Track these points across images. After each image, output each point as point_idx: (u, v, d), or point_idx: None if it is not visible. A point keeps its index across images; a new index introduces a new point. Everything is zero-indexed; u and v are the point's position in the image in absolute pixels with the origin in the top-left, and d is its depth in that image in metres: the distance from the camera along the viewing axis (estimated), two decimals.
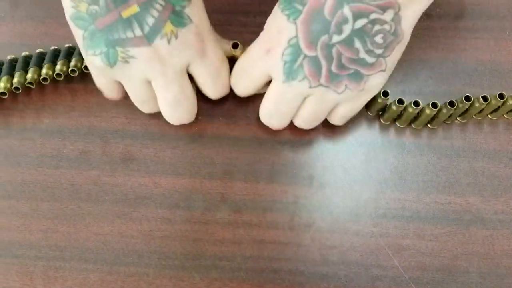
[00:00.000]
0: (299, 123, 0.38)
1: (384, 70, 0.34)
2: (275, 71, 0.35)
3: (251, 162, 0.40)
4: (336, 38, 0.32)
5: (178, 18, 0.33)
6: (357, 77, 0.34)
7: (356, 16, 0.32)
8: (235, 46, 0.39)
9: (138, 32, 0.32)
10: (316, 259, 0.38)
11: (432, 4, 0.42)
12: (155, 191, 0.39)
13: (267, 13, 0.43)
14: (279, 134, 0.41)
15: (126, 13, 0.32)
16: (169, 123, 0.39)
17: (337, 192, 0.39)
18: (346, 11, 0.32)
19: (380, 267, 0.38)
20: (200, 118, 0.41)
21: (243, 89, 0.38)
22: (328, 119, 0.39)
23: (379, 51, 0.33)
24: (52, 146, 0.41)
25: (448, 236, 0.38)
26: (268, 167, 0.40)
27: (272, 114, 0.37)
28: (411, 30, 0.34)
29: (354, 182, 0.39)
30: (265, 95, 0.37)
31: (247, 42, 0.42)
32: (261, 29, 0.42)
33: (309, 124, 0.38)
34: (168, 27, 0.33)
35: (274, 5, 0.43)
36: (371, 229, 0.38)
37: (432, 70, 0.41)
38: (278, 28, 0.34)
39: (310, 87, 0.34)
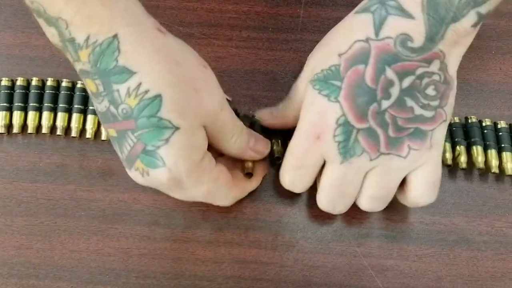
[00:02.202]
0: (366, 203, 0.35)
1: (445, 120, 0.33)
2: (330, 155, 0.33)
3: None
4: (385, 104, 0.31)
5: (149, 159, 0.30)
6: (420, 134, 0.32)
7: (402, 76, 0.31)
8: (248, 174, 0.38)
9: (118, 153, 0.32)
10: (299, 280, 0.38)
11: None
12: (134, 207, 0.39)
13: (254, 27, 0.43)
14: None
15: (110, 132, 0.32)
16: None
17: (321, 211, 0.39)
18: (390, 74, 0.31)
19: None
20: None
21: (303, 185, 0.36)
22: (413, 196, 0.34)
23: (435, 103, 0.32)
24: (28, 159, 0.40)
25: (432, 257, 0.38)
26: None
27: (335, 200, 0.35)
28: (456, 73, 0.33)
29: None
30: (321, 183, 0.34)
31: (232, 56, 0.43)
32: (247, 43, 0.43)
33: (378, 202, 0.35)
34: (139, 164, 0.31)
35: (261, 20, 0.44)
36: (354, 249, 0.39)
37: None
38: (321, 112, 0.33)
39: (371, 159, 0.32)
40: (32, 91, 0.41)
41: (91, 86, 0.30)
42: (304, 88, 0.35)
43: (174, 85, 0.30)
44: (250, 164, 0.38)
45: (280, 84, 0.42)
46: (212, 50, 0.43)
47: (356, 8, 0.34)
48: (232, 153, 0.36)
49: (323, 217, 0.39)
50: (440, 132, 0.33)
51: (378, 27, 0.31)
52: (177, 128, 0.30)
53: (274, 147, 0.39)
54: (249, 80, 0.42)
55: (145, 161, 0.30)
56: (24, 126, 0.41)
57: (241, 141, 0.35)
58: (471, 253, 0.39)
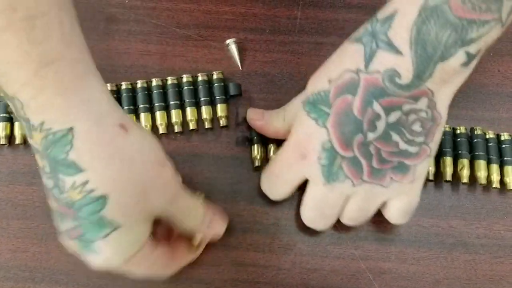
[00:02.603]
0: (346, 221, 0.36)
1: (429, 155, 0.33)
2: (313, 176, 0.34)
3: (231, 182, 0.40)
4: (371, 136, 0.32)
5: (84, 244, 0.30)
6: (403, 168, 0.33)
7: (388, 110, 0.31)
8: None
9: (56, 223, 0.31)
10: (296, 283, 0.38)
11: None
12: None
13: (251, 29, 0.43)
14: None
15: (51, 203, 0.30)
16: None
17: None
18: (377, 107, 0.31)
19: None
20: (179, 135, 0.41)
21: (278, 194, 0.38)
22: (387, 217, 0.36)
23: (420, 139, 0.32)
24: (24, 162, 0.40)
25: (430, 260, 0.38)
26: (249, 187, 0.40)
27: (316, 219, 0.36)
28: (447, 109, 0.34)
29: None
30: (304, 200, 0.36)
31: (229, 58, 0.43)
32: (244, 45, 0.43)
33: (357, 221, 0.36)
34: (74, 245, 0.30)
35: (258, 22, 0.44)
36: (352, 252, 0.39)
37: None
38: (308, 133, 0.34)
39: (354, 185, 0.33)
40: None
41: (39, 162, 0.29)
42: (298, 105, 0.36)
43: (121, 188, 0.29)
44: (200, 237, 0.37)
45: (277, 86, 0.42)
46: (209, 52, 0.43)
47: (351, 36, 0.34)
48: (186, 233, 0.35)
49: None
50: (423, 166, 0.34)
51: (368, 60, 0.32)
52: (117, 227, 0.29)
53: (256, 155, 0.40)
54: (246, 82, 0.42)
55: (80, 245, 0.30)
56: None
57: (195, 223, 0.35)
58: (469, 256, 0.39)
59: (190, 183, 0.40)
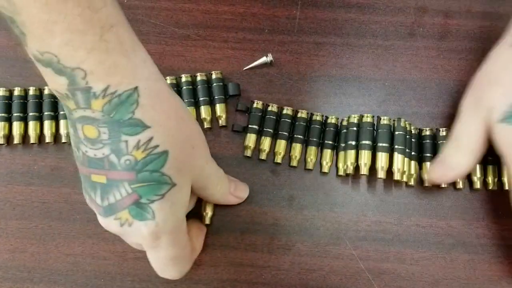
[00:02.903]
0: None
1: None
2: None
3: None
4: None
5: (139, 211, 0.30)
6: None
7: None
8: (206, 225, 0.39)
9: (98, 200, 0.31)
10: (295, 283, 0.38)
11: (416, 23, 0.43)
12: None
13: (250, 29, 0.43)
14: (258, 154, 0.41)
15: (94, 178, 0.30)
16: None
17: (317, 214, 0.39)
18: None
19: None
20: None
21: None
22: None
23: None
24: (23, 162, 0.40)
25: (429, 260, 0.38)
26: (248, 187, 0.40)
27: None
28: None
29: (334, 204, 0.40)
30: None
31: (228, 58, 0.43)
32: (243, 44, 0.43)
33: None
34: (124, 214, 0.30)
35: (257, 22, 0.44)
36: (351, 252, 0.39)
37: (415, 91, 0.42)
38: None
39: None
40: (31, 100, 0.41)
41: (90, 132, 0.29)
42: (477, 128, 0.35)
43: (180, 143, 0.31)
44: (210, 214, 0.39)
45: (277, 86, 0.42)
46: (208, 52, 0.43)
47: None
48: (215, 200, 0.37)
49: (319, 219, 0.39)
50: None
51: None
52: (173, 185, 0.30)
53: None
54: (245, 82, 0.42)
55: (133, 212, 0.30)
56: (24, 137, 0.41)
57: (224, 188, 0.37)
58: (468, 256, 0.39)
59: None
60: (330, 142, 0.40)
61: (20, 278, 0.38)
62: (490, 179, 0.39)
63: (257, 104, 0.41)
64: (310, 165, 0.40)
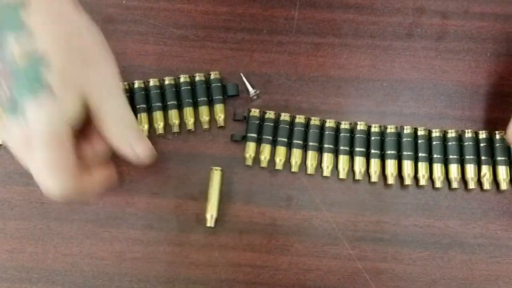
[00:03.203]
0: None
1: None
2: None
3: (228, 182, 0.40)
4: None
5: (11, 105, 0.30)
6: None
7: None
8: None
9: None
10: (293, 283, 0.38)
11: (414, 24, 0.43)
12: (128, 210, 0.39)
13: (248, 29, 0.44)
14: (257, 154, 0.41)
15: None
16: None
17: (315, 214, 0.40)
18: None
19: None
20: (175, 135, 0.41)
21: None
22: None
23: None
24: None
25: (427, 260, 0.39)
26: (246, 187, 0.40)
27: None
28: None
29: (332, 204, 0.40)
30: None
31: (227, 58, 0.43)
32: (242, 45, 0.43)
33: None
34: None
35: (255, 23, 0.44)
36: (349, 252, 0.39)
37: (413, 91, 0.42)
38: None
39: None
40: None
41: None
42: None
43: (64, 52, 0.31)
44: (214, 216, 0.39)
45: (275, 86, 0.42)
46: (206, 53, 0.43)
47: None
48: (110, 140, 0.34)
49: (317, 219, 0.40)
50: None
51: None
52: (51, 93, 0.30)
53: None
54: (244, 83, 0.42)
55: (6, 107, 0.30)
56: None
57: (123, 127, 0.34)
58: (465, 256, 0.39)
59: (187, 182, 0.40)
60: (331, 146, 0.41)
61: (18, 278, 0.38)
62: (484, 179, 0.40)
63: (254, 112, 0.41)
64: (311, 170, 0.40)
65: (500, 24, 0.44)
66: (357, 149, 0.40)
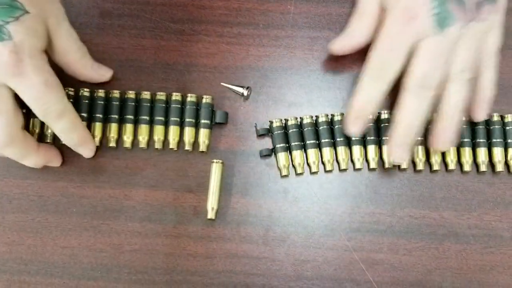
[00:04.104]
0: (457, 67, 0.37)
1: None
2: (426, 29, 0.36)
3: (225, 175, 0.41)
4: None
5: None
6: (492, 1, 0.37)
7: None
8: None
9: None
10: (289, 274, 0.39)
11: None
12: (126, 203, 0.40)
13: (244, 24, 0.44)
14: (254, 146, 0.41)
15: None
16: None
17: (312, 206, 0.40)
18: None
19: (353, 281, 0.39)
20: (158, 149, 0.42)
21: (393, 69, 0.37)
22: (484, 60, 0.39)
23: None
24: None
25: (422, 250, 0.39)
26: (243, 180, 0.41)
27: (430, 72, 0.36)
28: None
29: (328, 196, 0.40)
30: (416, 61, 0.36)
31: (223, 52, 0.43)
32: (238, 39, 0.44)
33: (469, 66, 0.37)
34: None
35: (251, 17, 0.44)
36: (345, 243, 0.40)
37: None
38: None
39: (462, 27, 0.36)
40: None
41: None
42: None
43: None
44: (215, 208, 0.39)
45: (271, 80, 0.43)
46: (202, 47, 0.44)
47: None
48: (75, 67, 0.40)
49: (314, 211, 0.40)
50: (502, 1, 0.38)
51: None
52: (27, 12, 0.35)
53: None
54: (240, 77, 0.43)
55: None
56: None
57: (86, 59, 0.40)
58: (460, 246, 0.40)
59: (185, 176, 0.41)
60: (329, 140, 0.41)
61: (17, 271, 0.39)
62: (433, 160, 0.40)
63: (277, 123, 0.41)
64: (315, 168, 0.41)
65: None
66: (354, 138, 0.40)
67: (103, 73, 0.41)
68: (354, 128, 0.39)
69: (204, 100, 0.41)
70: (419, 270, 0.39)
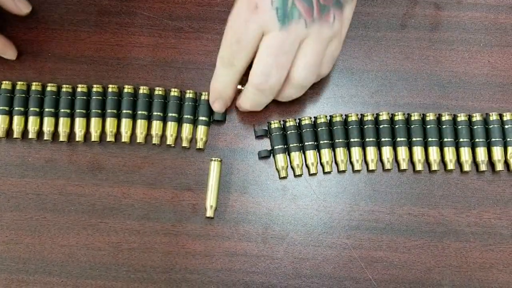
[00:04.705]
0: (300, 72, 0.37)
1: (353, 0, 0.38)
2: (269, 22, 0.35)
3: (224, 173, 0.41)
4: None
5: None
6: (339, 4, 0.37)
7: None
8: None
9: None
10: (289, 272, 0.39)
11: (407, 15, 0.44)
12: (124, 201, 0.40)
13: None
14: (252, 144, 0.41)
15: None
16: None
17: (311, 204, 0.40)
18: None
19: (353, 279, 0.39)
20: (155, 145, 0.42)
21: (243, 60, 0.37)
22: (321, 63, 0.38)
23: None
24: (17, 154, 0.41)
25: (421, 248, 0.39)
26: (241, 178, 0.41)
27: (271, 70, 0.36)
28: None
29: (327, 194, 0.40)
30: (258, 55, 0.36)
31: None
32: None
33: (311, 70, 0.37)
34: None
35: None
36: (344, 241, 0.40)
37: (407, 82, 0.43)
38: None
39: (306, 26, 0.35)
40: (32, 95, 0.41)
41: None
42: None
43: None
44: (214, 206, 0.39)
45: None
46: (201, 44, 0.44)
47: None
48: None
49: (313, 209, 0.40)
50: (349, 10, 0.38)
51: None
52: None
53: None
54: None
55: None
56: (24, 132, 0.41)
57: None
58: (459, 244, 0.40)
59: (183, 174, 0.41)
60: (327, 142, 0.41)
61: (15, 269, 0.39)
62: (432, 160, 0.41)
63: (275, 124, 0.41)
64: (313, 170, 0.41)
65: (493, 14, 0.45)
66: (353, 139, 0.41)
67: (20, 6, 0.42)
68: (217, 107, 0.40)
69: (202, 97, 0.41)
70: (419, 268, 0.39)
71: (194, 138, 0.41)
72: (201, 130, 0.41)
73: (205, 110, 0.41)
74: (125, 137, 0.41)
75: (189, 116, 0.41)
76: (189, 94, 0.41)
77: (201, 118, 0.41)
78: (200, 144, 0.41)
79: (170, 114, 0.41)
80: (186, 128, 0.41)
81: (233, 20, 0.37)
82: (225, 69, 0.38)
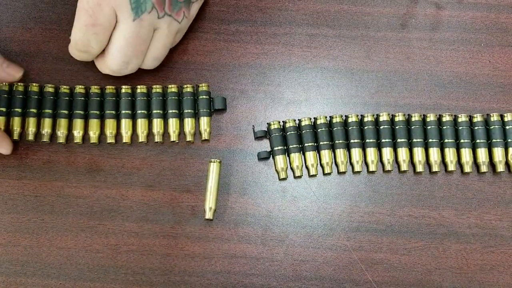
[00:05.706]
0: (150, 62, 0.40)
1: (197, 1, 0.41)
2: (123, 11, 0.36)
3: (223, 175, 0.40)
4: None
5: None
6: (189, 4, 0.40)
7: None
8: None
9: None
10: (288, 274, 0.39)
11: (408, 15, 0.44)
12: (122, 203, 0.40)
13: (241, 21, 0.44)
14: (252, 146, 0.41)
15: None
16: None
17: (310, 206, 0.40)
18: None
19: (353, 281, 0.39)
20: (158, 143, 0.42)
21: (99, 44, 0.38)
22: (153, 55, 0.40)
23: None
24: (15, 155, 0.41)
25: (422, 250, 0.39)
26: (240, 179, 0.40)
27: (131, 59, 0.38)
28: None
29: (327, 196, 0.40)
30: (114, 44, 0.38)
31: (220, 50, 0.43)
32: (236, 36, 0.44)
33: (158, 61, 0.41)
34: None
35: (249, 14, 0.44)
36: (344, 243, 0.39)
37: (407, 82, 0.43)
38: None
39: (158, 17, 0.38)
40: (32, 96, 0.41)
41: None
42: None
43: None
44: (213, 208, 0.39)
45: (269, 78, 0.43)
46: (200, 44, 0.43)
47: None
48: None
49: (312, 211, 0.40)
50: (196, 6, 0.42)
51: None
52: None
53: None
54: (238, 74, 0.43)
55: None
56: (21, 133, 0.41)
57: None
58: (460, 246, 0.39)
59: (182, 175, 0.40)
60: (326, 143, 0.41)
61: (13, 272, 0.38)
62: (432, 161, 0.40)
63: (274, 125, 0.41)
64: (313, 171, 0.40)
65: (494, 14, 0.45)
66: (353, 140, 0.40)
67: (12, 73, 0.40)
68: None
69: (200, 88, 0.41)
70: (419, 269, 0.39)
71: (198, 131, 0.41)
72: (204, 121, 0.41)
73: (205, 102, 0.41)
74: (125, 137, 0.41)
75: (189, 110, 0.41)
76: (187, 89, 0.41)
77: (202, 109, 0.41)
78: (205, 135, 0.41)
79: (170, 111, 0.41)
80: (189, 123, 0.41)
81: (86, 2, 0.36)
82: (80, 53, 0.39)
